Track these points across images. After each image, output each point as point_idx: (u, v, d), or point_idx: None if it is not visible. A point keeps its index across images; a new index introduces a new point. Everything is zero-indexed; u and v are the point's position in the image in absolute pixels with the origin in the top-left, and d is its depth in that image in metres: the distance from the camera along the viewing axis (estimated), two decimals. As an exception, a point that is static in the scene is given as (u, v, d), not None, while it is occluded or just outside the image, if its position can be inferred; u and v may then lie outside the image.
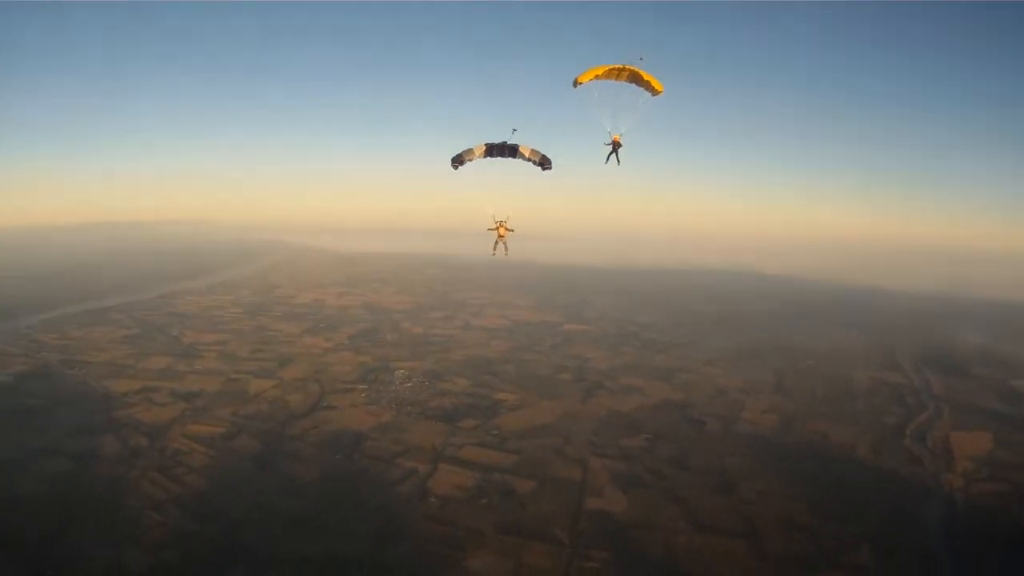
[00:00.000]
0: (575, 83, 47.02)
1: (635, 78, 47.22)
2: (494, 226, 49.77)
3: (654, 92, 47.50)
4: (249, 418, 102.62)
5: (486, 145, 47.18)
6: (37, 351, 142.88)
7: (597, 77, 46.96)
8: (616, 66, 46.88)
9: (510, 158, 47.86)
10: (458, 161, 47.38)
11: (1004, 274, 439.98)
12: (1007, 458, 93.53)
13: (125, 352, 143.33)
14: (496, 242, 49.99)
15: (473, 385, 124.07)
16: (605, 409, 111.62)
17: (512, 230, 50.18)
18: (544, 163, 48.22)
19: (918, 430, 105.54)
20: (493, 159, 47.86)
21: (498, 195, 50.32)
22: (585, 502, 75.88)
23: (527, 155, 47.59)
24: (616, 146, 49.47)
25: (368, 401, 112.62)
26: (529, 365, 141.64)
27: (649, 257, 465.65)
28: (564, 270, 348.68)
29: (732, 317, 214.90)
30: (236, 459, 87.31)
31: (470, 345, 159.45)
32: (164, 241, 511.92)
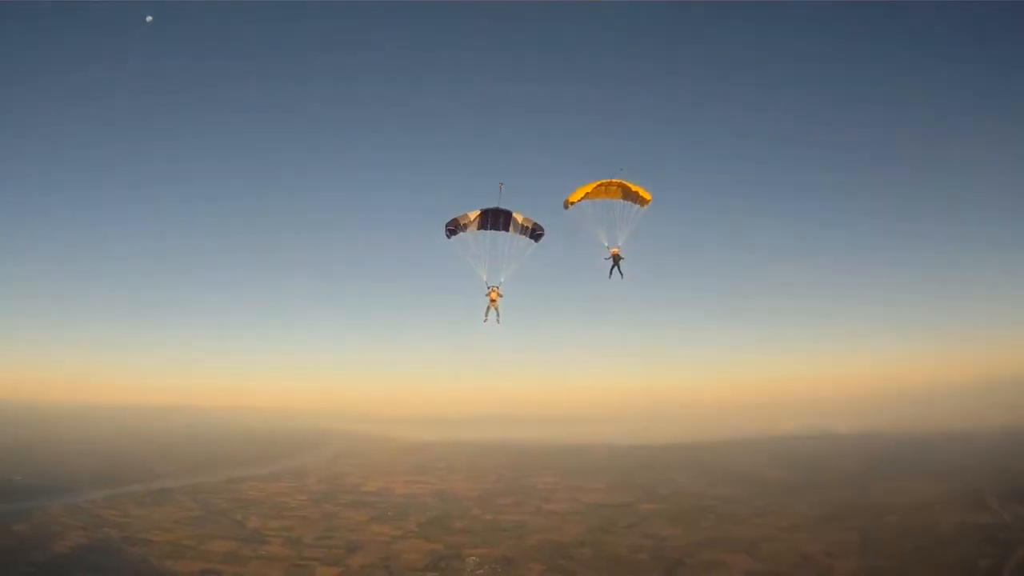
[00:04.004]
0: (566, 205, 48.09)
1: (623, 191, 48.49)
2: (487, 291, 50.03)
3: (643, 203, 48.61)
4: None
5: (480, 211, 47.36)
6: (98, 526, 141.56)
7: (587, 195, 48.09)
8: (603, 182, 48.10)
9: (503, 231, 48.38)
10: (452, 228, 47.71)
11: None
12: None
13: (188, 533, 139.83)
14: (488, 309, 50.10)
15: (548, 570, 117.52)
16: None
17: (502, 295, 50.11)
18: (536, 231, 48.72)
19: (1016, 567, 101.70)
20: (487, 232, 48.41)
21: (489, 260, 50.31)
22: None
23: (520, 221, 47.88)
24: (616, 259, 50.17)
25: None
26: (605, 547, 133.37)
27: (721, 429, 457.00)
28: (635, 449, 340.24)
29: (810, 481, 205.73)
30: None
31: (543, 530, 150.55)
32: (233, 427, 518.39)
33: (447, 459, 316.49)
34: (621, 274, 50.38)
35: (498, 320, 50.33)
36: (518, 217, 47.73)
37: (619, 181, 48.20)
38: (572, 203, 47.92)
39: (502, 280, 50.28)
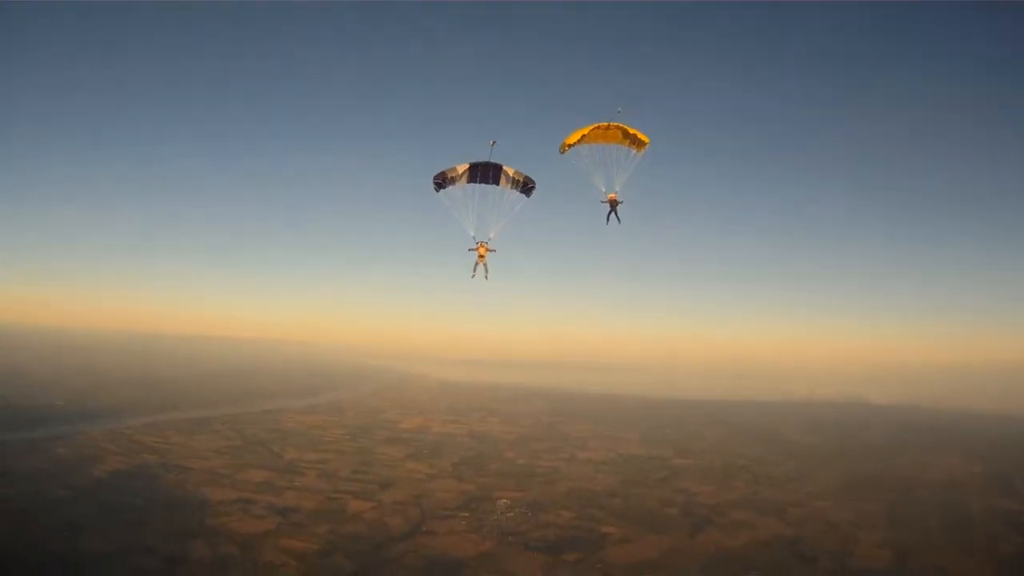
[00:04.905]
0: (562, 148, 46.66)
1: (622, 134, 46.98)
2: (475, 246, 48.81)
3: (640, 147, 47.21)
4: (346, 537, 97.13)
5: (470, 165, 46.10)
6: (137, 452, 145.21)
7: (584, 138, 46.45)
8: (601, 124, 46.55)
9: (494, 185, 47.04)
10: (440, 180, 46.56)
11: None
12: None
13: (225, 462, 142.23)
14: (476, 264, 48.97)
15: (577, 517, 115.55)
16: (713, 545, 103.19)
17: (493, 250, 49.22)
18: (527, 184, 47.40)
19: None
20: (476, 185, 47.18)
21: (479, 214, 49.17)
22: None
23: (511, 175, 46.61)
24: (614, 205, 48.93)
25: (469, 529, 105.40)
26: (635, 498, 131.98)
27: (759, 389, 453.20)
28: (672, 403, 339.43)
29: (843, 449, 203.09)
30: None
31: (575, 477, 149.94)
32: (274, 359, 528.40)
33: (485, 401, 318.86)
34: (619, 219, 49.30)
35: (486, 276, 49.43)
36: (508, 170, 46.31)
37: (617, 124, 46.81)
38: (569, 146, 46.68)
39: (491, 236, 49.27)
